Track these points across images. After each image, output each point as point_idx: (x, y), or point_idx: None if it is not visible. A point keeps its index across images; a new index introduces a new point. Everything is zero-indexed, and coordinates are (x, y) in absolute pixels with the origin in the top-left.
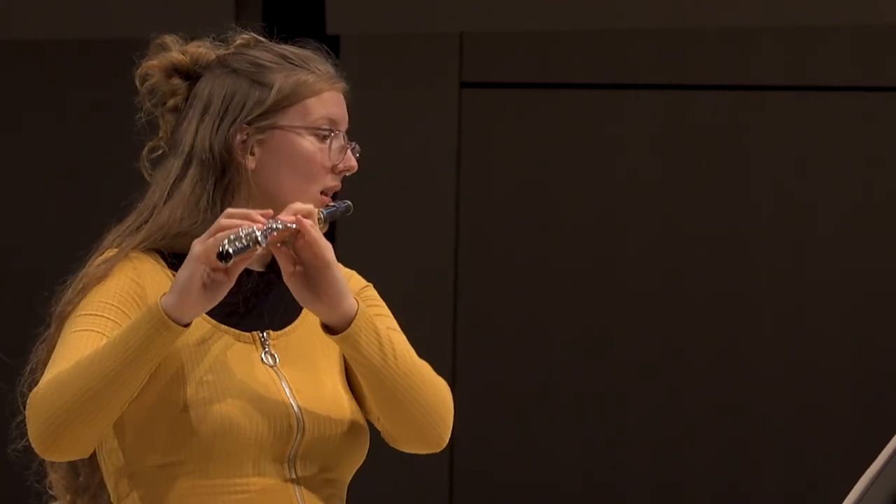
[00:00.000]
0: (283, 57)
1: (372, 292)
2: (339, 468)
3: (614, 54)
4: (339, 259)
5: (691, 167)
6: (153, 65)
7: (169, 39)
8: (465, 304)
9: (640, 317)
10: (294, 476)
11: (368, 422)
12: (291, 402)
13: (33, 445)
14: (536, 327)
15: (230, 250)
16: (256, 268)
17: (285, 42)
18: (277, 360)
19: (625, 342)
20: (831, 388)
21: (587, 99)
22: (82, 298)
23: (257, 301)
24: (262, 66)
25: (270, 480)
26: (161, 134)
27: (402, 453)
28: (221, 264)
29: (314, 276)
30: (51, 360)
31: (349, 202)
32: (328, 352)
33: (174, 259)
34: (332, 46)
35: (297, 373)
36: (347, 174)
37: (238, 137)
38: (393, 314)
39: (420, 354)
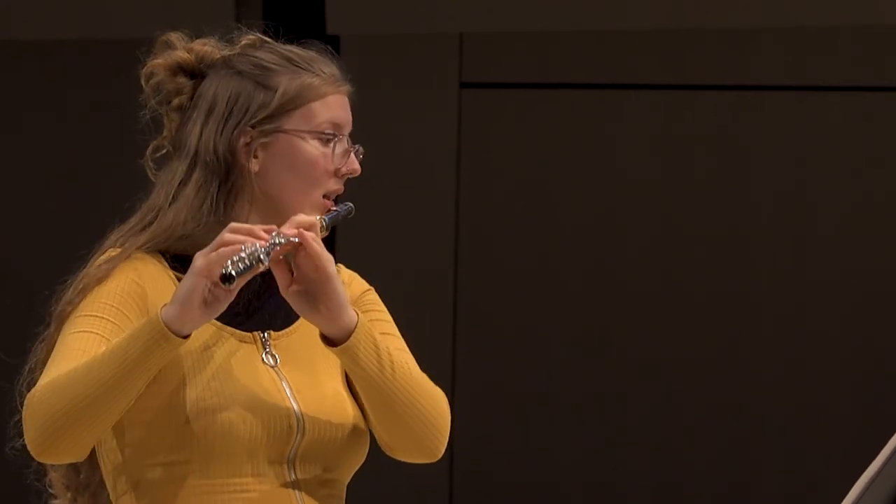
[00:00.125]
0: (288, 59)
1: (373, 296)
2: (338, 469)
3: (614, 54)
4: (338, 260)
5: (691, 167)
6: (158, 63)
7: (174, 37)
8: (465, 304)
9: (640, 317)
10: (293, 476)
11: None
12: (292, 402)
13: (29, 448)
14: (536, 327)
15: (233, 273)
16: None
17: (290, 42)
18: (278, 361)
19: (625, 342)
20: (831, 388)
21: (587, 99)
22: (83, 299)
23: (259, 301)
24: (267, 69)
25: (270, 480)
26: (165, 133)
27: None
28: (224, 285)
29: (314, 289)
30: (49, 361)
31: (351, 205)
32: (329, 353)
33: (176, 261)
34: (332, 46)
35: (297, 373)
36: (351, 177)
37: (242, 140)
38: (393, 314)
39: (420, 354)
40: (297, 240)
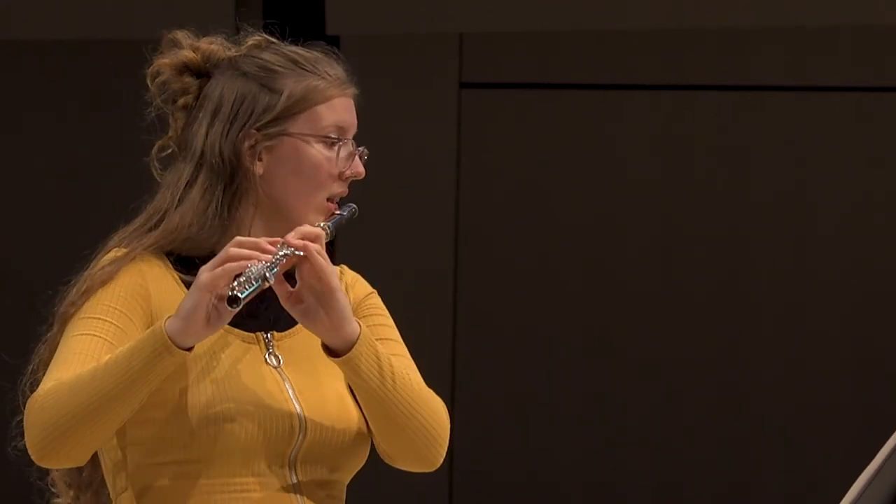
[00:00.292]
0: (294, 61)
1: (376, 300)
2: (339, 470)
3: (614, 55)
4: (338, 260)
5: (691, 167)
6: (165, 62)
7: (180, 35)
8: (465, 305)
9: (640, 317)
10: (294, 477)
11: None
12: (294, 403)
13: (30, 453)
14: (536, 327)
15: (239, 295)
16: None
17: (296, 43)
18: (281, 362)
19: (625, 342)
20: (831, 388)
21: (587, 99)
22: (86, 300)
23: (262, 302)
24: (272, 71)
25: (270, 481)
26: (171, 133)
27: None
28: (232, 308)
29: (318, 301)
30: (52, 363)
31: (354, 206)
32: None
33: (180, 263)
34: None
35: (300, 374)
36: (355, 180)
37: (247, 143)
38: (393, 314)
39: (420, 354)
40: (301, 253)
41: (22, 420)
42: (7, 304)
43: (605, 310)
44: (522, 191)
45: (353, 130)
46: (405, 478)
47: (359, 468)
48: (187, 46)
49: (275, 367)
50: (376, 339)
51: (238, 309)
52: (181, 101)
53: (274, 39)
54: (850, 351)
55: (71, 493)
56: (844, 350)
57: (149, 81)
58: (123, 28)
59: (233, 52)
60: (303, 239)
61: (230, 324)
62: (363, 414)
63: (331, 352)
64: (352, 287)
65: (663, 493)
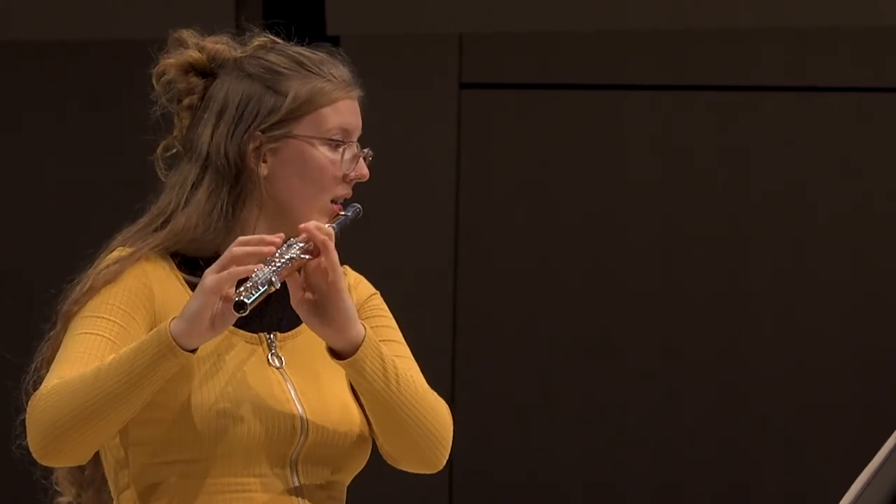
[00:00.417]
0: (299, 63)
1: (379, 301)
2: (340, 472)
3: (614, 55)
4: (339, 260)
5: (691, 167)
6: (170, 62)
7: (186, 34)
8: (465, 305)
9: (640, 317)
10: (295, 477)
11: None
12: (296, 404)
13: (31, 451)
14: (536, 327)
15: (246, 301)
16: None
17: (302, 44)
18: (284, 362)
19: (625, 342)
20: (831, 388)
21: (587, 99)
22: (90, 299)
23: (266, 303)
24: (278, 73)
25: (271, 482)
26: (175, 133)
27: None
28: (238, 313)
29: (324, 302)
30: (55, 361)
31: (358, 206)
32: None
33: (184, 263)
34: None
35: (302, 375)
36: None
37: (251, 145)
38: (393, 314)
39: (420, 354)
40: (307, 257)
41: (25, 419)
42: (7, 304)
43: (605, 310)
44: (522, 191)
45: (357, 132)
46: (405, 478)
47: (360, 469)
48: (193, 46)
49: (277, 368)
50: (380, 341)
51: (244, 314)
52: (186, 100)
53: (279, 40)
54: (850, 351)
55: (73, 490)
56: (844, 350)
57: (154, 81)
58: (123, 28)
59: (238, 53)
60: (311, 241)
61: (234, 324)
62: (366, 416)
63: (335, 354)
64: (355, 288)
65: (663, 493)
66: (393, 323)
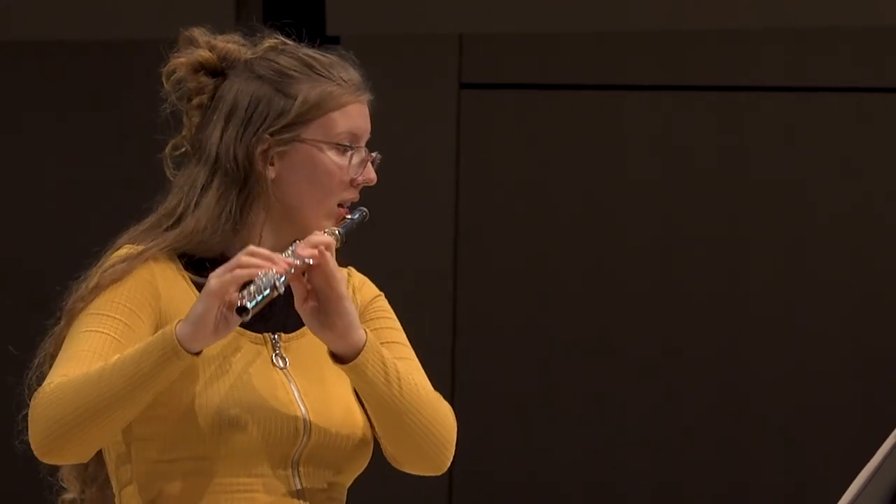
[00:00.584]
0: (309, 66)
1: (383, 303)
2: (342, 473)
3: (614, 55)
4: (339, 260)
5: (691, 167)
6: (181, 62)
7: (197, 32)
8: (464, 304)
9: (640, 317)
10: (297, 478)
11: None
12: (299, 405)
13: (33, 448)
14: (536, 327)
15: (248, 305)
16: None
17: (313, 45)
18: (288, 363)
19: (625, 342)
20: (831, 388)
21: (587, 99)
22: (96, 297)
23: (271, 304)
24: (287, 76)
25: (273, 482)
26: (185, 132)
27: None
28: (240, 317)
29: (326, 307)
30: (58, 358)
31: (365, 210)
32: None
33: (192, 265)
34: (327, 47)
35: (306, 376)
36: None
37: (260, 148)
38: (390, 307)
39: (420, 354)
40: (311, 261)
41: (28, 415)
42: (7, 304)
43: (605, 310)
44: (522, 191)
45: (366, 136)
46: (405, 478)
47: (361, 471)
48: (204, 45)
49: (281, 369)
50: (383, 343)
51: (247, 318)
52: (196, 100)
53: (290, 42)
54: (850, 351)
55: (77, 486)
56: (844, 350)
57: (164, 79)
58: (123, 28)
59: (248, 54)
60: (314, 247)
61: (239, 325)
62: (368, 418)
63: (337, 358)
64: (359, 289)
65: (663, 493)
66: (397, 325)
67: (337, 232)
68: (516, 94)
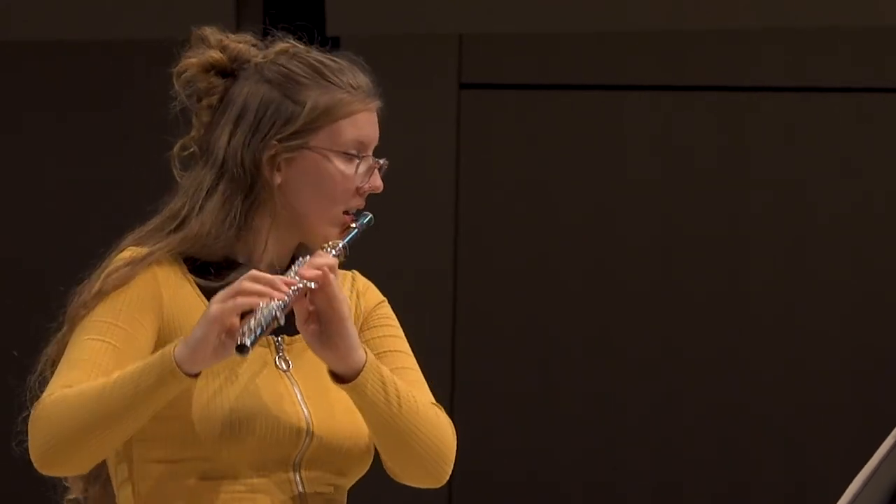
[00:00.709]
0: (319, 72)
1: (386, 310)
2: (344, 476)
3: (614, 55)
4: (342, 263)
5: (691, 167)
6: (192, 62)
7: (208, 31)
8: (464, 305)
9: (640, 317)
10: (298, 480)
11: None
12: (302, 407)
13: (32, 460)
14: (536, 327)
15: (247, 343)
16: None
17: (314, 44)
18: (290, 366)
19: (625, 342)
20: (831, 388)
21: (587, 99)
22: (99, 303)
23: None
24: (297, 82)
25: (274, 483)
26: (193, 133)
27: None
28: (239, 354)
29: (328, 328)
30: (59, 365)
31: (370, 215)
32: None
33: (196, 269)
34: (332, 47)
35: (309, 380)
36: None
37: (267, 153)
38: (393, 314)
39: (420, 354)
40: (314, 284)
41: (28, 417)
42: (7, 304)
43: (605, 310)
44: (522, 191)
45: (374, 144)
46: None
47: (362, 474)
48: (215, 44)
49: (284, 372)
50: (385, 351)
51: (246, 356)
52: (206, 100)
53: (301, 46)
54: (850, 351)
55: (81, 484)
56: (844, 350)
57: (174, 79)
58: (123, 28)
59: (259, 57)
60: (318, 269)
61: None
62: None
63: (337, 377)
64: (363, 294)
65: (663, 493)
66: (400, 333)
67: (340, 246)
68: (516, 94)
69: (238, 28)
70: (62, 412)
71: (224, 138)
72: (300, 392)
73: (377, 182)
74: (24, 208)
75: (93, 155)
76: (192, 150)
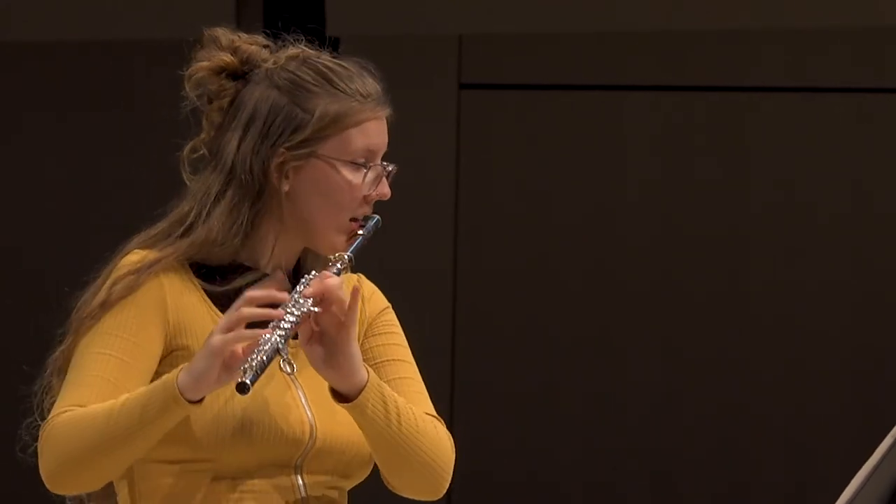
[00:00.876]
0: (328, 80)
1: (391, 316)
2: (346, 478)
3: (614, 56)
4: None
5: (691, 167)
6: (203, 66)
7: (219, 32)
8: (464, 305)
9: (640, 317)
10: (300, 482)
11: None
12: (306, 410)
13: (43, 479)
14: (536, 327)
15: (248, 381)
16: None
17: (335, 51)
18: (295, 369)
19: (625, 342)
20: (831, 388)
21: (587, 99)
22: (105, 313)
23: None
24: (306, 89)
25: (276, 485)
26: (203, 135)
27: None
28: (239, 393)
29: (332, 349)
30: (67, 380)
31: (377, 217)
32: None
33: (202, 271)
34: (331, 47)
35: (313, 382)
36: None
37: (275, 161)
38: (397, 321)
39: (420, 354)
40: (317, 309)
41: (32, 422)
42: (7, 304)
43: (605, 310)
44: (522, 191)
45: (382, 151)
46: None
47: (364, 477)
48: (227, 45)
49: (289, 374)
50: (387, 360)
51: (247, 394)
52: (216, 103)
53: (312, 51)
54: (850, 351)
55: None
56: (844, 350)
57: (185, 81)
58: (123, 28)
59: (270, 62)
60: (321, 293)
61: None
62: None
63: (338, 395)
64: (368, 300)
65: (663, 493)
66: (403, 341)
67: (346, 257)
68: (516, 95)
69: (238, 28)
70: (71, 434)
71: (234, 143)
72: (304, 395)
73: (385, 189)
74: (25, 208)
75: (93, 155)
76: (201, 152)
